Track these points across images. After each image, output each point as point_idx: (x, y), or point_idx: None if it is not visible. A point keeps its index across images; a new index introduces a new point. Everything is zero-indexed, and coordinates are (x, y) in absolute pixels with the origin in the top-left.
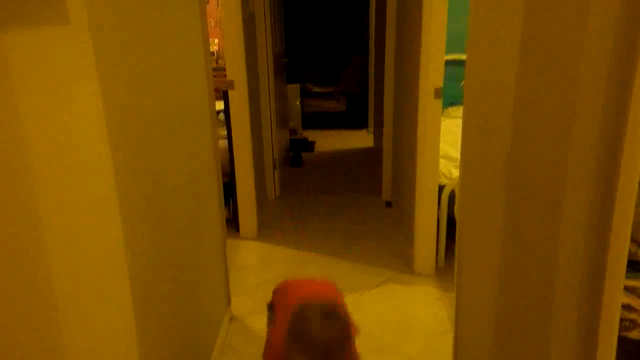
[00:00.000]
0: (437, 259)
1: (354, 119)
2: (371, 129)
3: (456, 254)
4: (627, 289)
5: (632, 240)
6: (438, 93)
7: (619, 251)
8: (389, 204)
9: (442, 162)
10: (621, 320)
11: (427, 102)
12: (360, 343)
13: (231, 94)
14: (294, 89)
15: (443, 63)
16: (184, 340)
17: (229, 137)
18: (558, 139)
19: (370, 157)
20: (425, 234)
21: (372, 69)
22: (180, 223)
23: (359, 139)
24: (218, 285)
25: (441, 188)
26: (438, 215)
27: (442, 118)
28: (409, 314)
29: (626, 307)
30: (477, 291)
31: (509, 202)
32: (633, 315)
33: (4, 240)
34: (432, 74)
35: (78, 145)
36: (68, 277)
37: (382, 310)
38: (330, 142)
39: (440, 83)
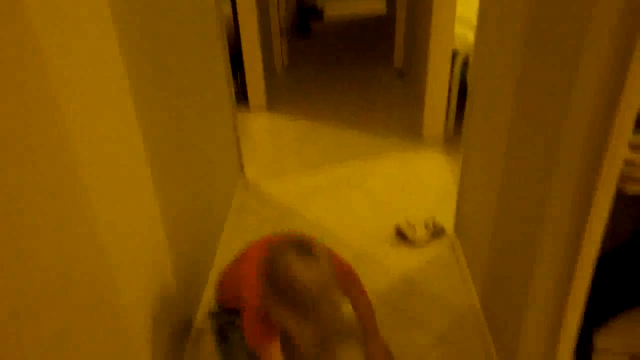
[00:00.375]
0: (446, 128)
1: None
2: None
3: (464, 120)
4: (635, 147)
5: None
6: None
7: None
8: (400, 74)
9: (457, 25)
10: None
11: None
12: (372, 208)
13: None
14: None
15: None
16: (202, 203)
17: (233, 3)
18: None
19: (383, 25)
20: (435, 101)
21: None
22: (190, 96)
23: (371, 4)
24: (230, 152)
25: (455, 54)
26: (450, 83)
27: None
28: (417, 177)
29: (631, 163)
30: (480, 158)
31: (524, 71)
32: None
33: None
34: None
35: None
36: (93, 157)
37: (391, 173)
38: (340, 8)
39: None
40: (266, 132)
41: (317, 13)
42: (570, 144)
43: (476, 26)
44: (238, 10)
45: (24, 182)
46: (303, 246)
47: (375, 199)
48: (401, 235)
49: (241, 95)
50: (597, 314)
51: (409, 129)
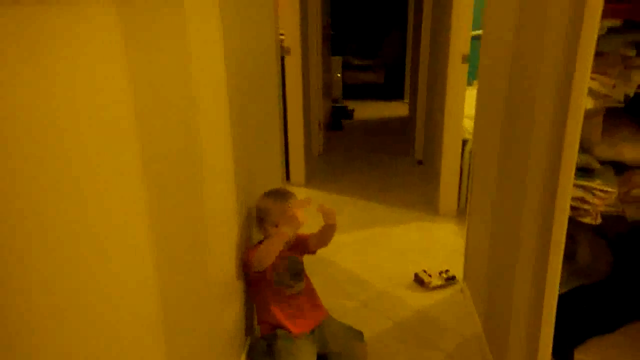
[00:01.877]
0: (459, 203)
1: (391, 90)
2: (407, 99)
3: (467, 197)
4: (582, 187)
5: (585, 152)
6: (464, 58)
7: (569, 161)
8: (420, 162)
9: (466, 121)
10: (577, 209)
11: (455, 66)
12: (394, 261)
13: (287, 59)
14: (336, 61)
15: (470, 32)
16: None
17: (283, 98)
18: (528, 114)
19: (405, 124)
20: (449, 181)
21: (409, 43)
22: (258, 171)
23: (395, 109)
24: None
25: (464, 143)
26: (461, 166)
27: (469, 88)
28: (433, 240)
29: (581, 199)
30: (480, 223)
31: (500, 158)
32: (586, 206)
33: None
34: (460, 41)
35: (206, 76)
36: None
37: (412, 237)
38: (368, 110)
39: (467, 50)
40: (304, 196)
41: (348, 113)
42: (532, 196)
43: (474, 119)
44: (287, 108)
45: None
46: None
47: (396, 254)
48: (419, 281)
49: (285, 174)
50: (576, 335)
51: (427, 205)
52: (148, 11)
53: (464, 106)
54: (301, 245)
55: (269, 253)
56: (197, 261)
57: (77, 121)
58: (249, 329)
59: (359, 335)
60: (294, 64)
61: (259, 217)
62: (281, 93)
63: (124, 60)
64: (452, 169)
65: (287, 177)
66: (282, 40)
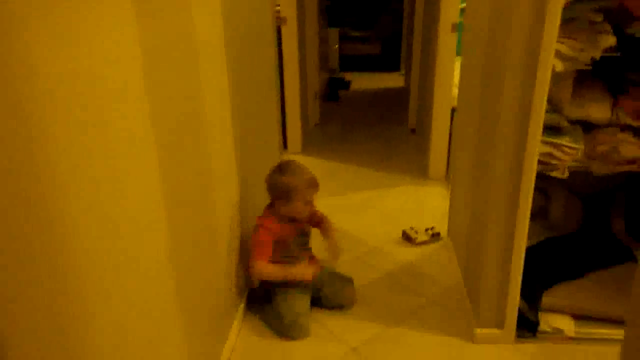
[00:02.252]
0: (447, 167)
1: (387, 62)
2: (403, 71)
3: (451, 158)
4: (551, 144)
5: (556, 112)
6: (454, 27)
7: (537, 119)
8: (413, 131)
9: (456, 89)
10: (547, 163)
11: (445, 35)
12: (385, 220)
13: (283, 29)
14: (333, 33)
15: (459, 2)
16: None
17: (280, 68)
18: (498, 87)
19: (401, 95)
20: (438, 147)
21: (406, 14)
22: (257, 136)
23: (391, 80)
24: None
25: (454, 111)
26: (450, 132)
27: (460, 58)
28: (422, 202)
29: (550, 155)
30: (461, 183)
31: (478, 122)
32: (554, 161)
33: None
34: (449, 10)
35: (207, 47)
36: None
37: (402, 199)
38: (365, 82)
39: (456, 19)
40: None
41: (345, 84)
42: (503, 154)
43: (458, 87)
44: (284, 78)
45: None
46: (278, 168)
47: (387, 215)
48: (406, 238)
49: (282, 142)
50: (546, 281)
51: (418, 171)
52: None
53: (454, 75)
54: (313, 221)
55: (269, 277)
56: (203, 210)
57: (100, 76)
58: (248, 280)
59: (349, 280)
60: (290, 34)
61: (282, 192)
62: (278, 63)
63: (135, 26)
64: (441, 136)
65: (285, 145)
66: (278, 11)
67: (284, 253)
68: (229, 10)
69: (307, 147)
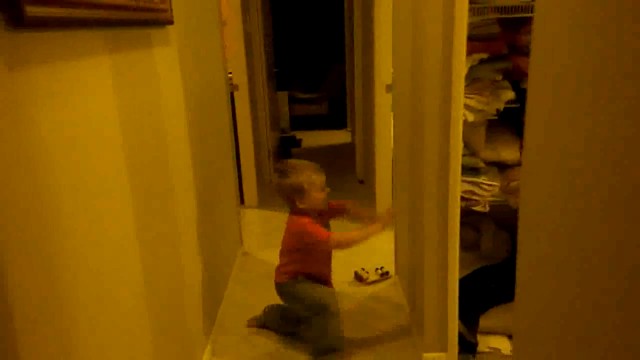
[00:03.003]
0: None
1: (335, 120)
2: (349, 127)
3: (393, 202)
4: (472, 182)
5: (473, 155)
6: (388, 88)
7: (455, 161)
8: (361, 182)
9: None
10: (469, 199)
11: (380, 95)
12: (338, 263)
13: (236, 94)
14: (282, 96)
15: (391, 65)
16: (217, 261)
17: (235, 129)
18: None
19: (348, 150)
20: (383, 194)
21: (349, 76)
22: (217, 192)
23: (339, 137)
24: (235, 231)
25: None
26: (393, 181)
27: None
28: (371, 244)
29: (471, 192)
30: (403, 226)
31: (409, 169)
32: (476, 197)
33: None
34: (382, 73)
35: (171, 111)
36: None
37: None
38: (314, 139)
39: (389, 81)
40: (258, 220)
41: (296, 142)
42: (430, 196)
43: (393, 140)
44: (239, 138)
45: None
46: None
47: (339, 258)
48: (358, 278)
49: (240, 198)
50: (481, 305)
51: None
52: (129, 59)
53: (391, 129)
54: (335, 211)
55: (352, 242)
56: (171, 256)
57: (89, 130)
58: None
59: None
60: (242, 98)
61: (296, 190)
62: (232, 125)
63: (112, 93)
64: (385, 184)
65: (242, 201)
66: (230, 78)
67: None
68: (189, 79)
69: (263, 201)
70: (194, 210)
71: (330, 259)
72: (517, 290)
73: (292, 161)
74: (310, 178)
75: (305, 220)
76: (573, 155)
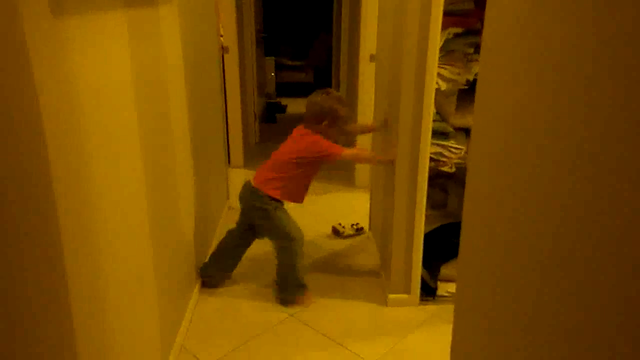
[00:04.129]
0: (370, 177)
1: (319, 89)
2: None
3: (370, 169)
4: (440, 145)
5: (444, 121)
6: (372, 58)
7: (427, 124)
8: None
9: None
10: (438, 161)
11: (365, 64)
12: (317, 220)
13: (226, 57)
14: (270, 62)
15: (375, 35)
16: (208, 209)
17: (225, 97)
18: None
19: None
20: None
21: (335, 44)
22: (209, 151)
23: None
24: (222, 187)
25: None
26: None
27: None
28: (349, 205)
29: (439, 154)
30: (378, 187)
31: (386, 136)
32: (444, 159)
33: None
34: (367, 43)
35: (172, 68)
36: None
37: (332, 203)
38: (299, 106)
39: (373, 50)
40: (243, 178)
41: (282, 108)
42: (403, 158)
43: (373, 108)
44: (227, 100)
45: None
46: (326, 93)
47: (319, 215)
48: (335, 232)
49: (227, 158)
50: (444, 256)
51: (346, 180)
52: (140, 15)
53: (373, 98)
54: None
55: (360, 159)
56: (171, 201)
57: (107, 79)
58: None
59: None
60: (232, 61)
61: (323, 114)
62: (223, 87)
63: (127, 46)
64: (365, 149)
65: (229, 161)
66: (221, 41)
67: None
68: (187, 39)
69: (248, 162)
70: (190, 160)
71: (308, 188)
72: (461, 243)
73: (339, 94)
74: (347, 112)
75: (318, 136)
76: (507, 122)
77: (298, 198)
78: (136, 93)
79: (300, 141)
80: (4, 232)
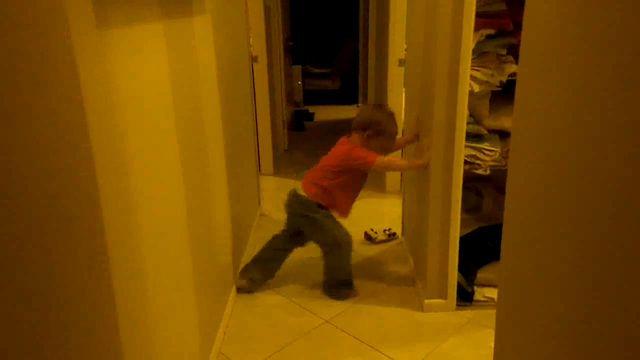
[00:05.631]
0: (401, 182)
1: (346, 96)
2: (360, 103)
3: (402, 174)
4: (475, 148)
5: (477, 123)
6: (401, 62)
7: (461, 127)
8: None
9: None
10: (472, 163)
11: (393, 69)
12: (349, 226)
13: (255, 66)
14: (297, 70)
15: (404, 40)
16: (241, 217)
17: (255, 107)
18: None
19: None
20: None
21: (362, 51)
22: (240, 160)
23: (350, 112)
24: (254, 194)
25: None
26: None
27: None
28: (380, 210)
29: (474, 157)
30: (411, 192)
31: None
32: (478, 161)
33: None
34: (395, 48)
35: (206, 77)
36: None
37: (364, 208)
38: (326, 114)
39: (402, 55)
40: (272, 187)
41: (309, 116)
42: (436, 163)
43: (403, 113)
44: (257, 109)
45: None
46: (378, 106)
47: (351, 221)
48: (368, 238)
49: (257, 165)
50: (480, 260)
51: (377, 186)
52: (176, 26)
53: (402, 103)
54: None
55: (395, 167)
56: (207, 207)
57: (147, 86)
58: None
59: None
60: (261, 70)
61: (368, 124)
62: (253, 96)
63: (165, 55)
64: (394, 155)
65: (259, 168)
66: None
67: (359, 184)
68: (219, 49)
69: (278, 169)
70: (223, 167)
71: (357, 194)
72: (502, 247)
73: (390, 110)
74: (393, 128)
75: (355, 144)
76: (555, 127)
77: (343, 209)
78: (173, 100)
79: (336, 151)
80: (52, 236)
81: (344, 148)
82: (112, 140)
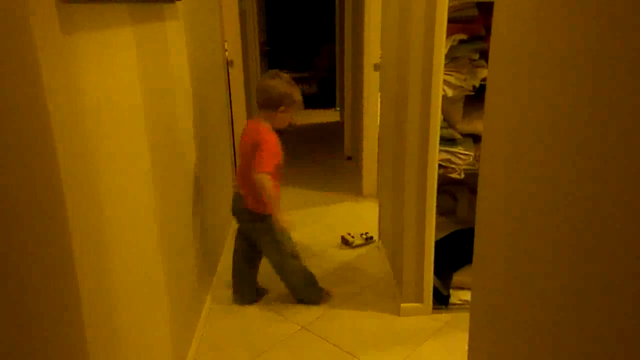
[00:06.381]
0: (378, 186)
1: (324, 100)
2: (338, 107)
3: (378, 175)
4: (449, 152)
5: (451, 127)
6: (376, 67)
7: (434, 132)
8: (349, 158)
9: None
10: (446, 167)
11: (369, 73)
12: (326, 230)
13: (231, 71)
14: None
15: (379, 45)
16: (216, 224)
17: (230, 106)
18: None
19: (337, 128)
20: (369, 169)
21: (339, 55)
22: (214, 163)
23: (328, 116)
24: (228, 198)
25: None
26: (379, 157)
27: None
28: (357, 214)
29: (448, 160)
30: (386, 196)
31: (394, 144)
32: (452, 165)
33: None
34: (371, 53)
35: (179, 81)
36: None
37: (340, 212)
38: (304, 118)
39: (377, 59)
40: None
41: None
42: (410, 166)
43: (379, 117)
44: (233, 112)
45: None
46: (277, 76)
47: (328, 225)
48: (345, 242)
49: (234, 167)
50: (455, 263)
51: (354, 190)
52: (147, 30)
53: (378, 107)
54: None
55: (268, 196)
56: (186, 211)
57: (115, 90)
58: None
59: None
60: (237, 74)
61: (280, 99)
62: (229, 100)
63: (135, 59)
64: (371, 160)
65: (235, 173)
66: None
67: (277, 175)
68: (193, 53)
69: None
70: (197, 171)
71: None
72: (475, 250)
73: (288, 75)
74: (298, 97)
75: (273, 137)
76: (523, 130)
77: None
78: (144, 105)
79: (251, 137)
80: (16, 235)
81: (264, 135)
82: (79, 145)
